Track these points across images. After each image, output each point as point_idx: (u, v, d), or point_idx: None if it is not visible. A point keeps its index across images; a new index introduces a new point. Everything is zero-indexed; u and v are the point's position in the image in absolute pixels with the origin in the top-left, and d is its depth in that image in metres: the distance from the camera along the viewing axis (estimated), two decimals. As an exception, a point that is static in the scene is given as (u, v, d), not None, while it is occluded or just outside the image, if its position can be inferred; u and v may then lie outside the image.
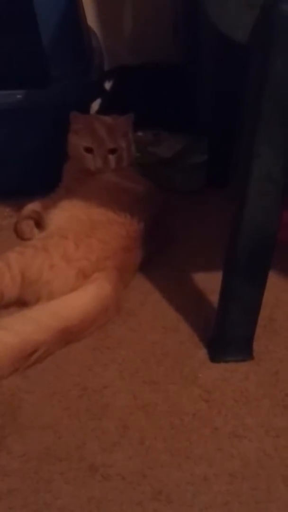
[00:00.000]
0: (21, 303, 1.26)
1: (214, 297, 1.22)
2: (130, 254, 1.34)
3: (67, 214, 1.40)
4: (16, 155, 1.60)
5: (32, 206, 1.55)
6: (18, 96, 1.51)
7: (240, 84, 1.56)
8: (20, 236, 1.51)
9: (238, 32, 0.96)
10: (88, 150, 1.50)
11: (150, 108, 1.78)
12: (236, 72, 1.56)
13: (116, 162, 1.51)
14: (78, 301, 1.21)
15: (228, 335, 1.16)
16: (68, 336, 1.17)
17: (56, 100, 1.56)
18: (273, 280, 1.16)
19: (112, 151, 1.50)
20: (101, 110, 1.89)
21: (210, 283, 1.32)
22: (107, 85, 1.95)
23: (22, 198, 1.58)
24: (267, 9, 0.91)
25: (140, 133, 1.76)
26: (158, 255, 1.42)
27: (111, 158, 1.50)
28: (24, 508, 0.90)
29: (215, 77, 1.69)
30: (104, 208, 1.39)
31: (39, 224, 1.51)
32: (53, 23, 1.49)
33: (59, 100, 1.56)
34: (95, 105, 1.91)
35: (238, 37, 0.96)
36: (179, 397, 1.09)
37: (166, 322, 1.25)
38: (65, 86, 1.55)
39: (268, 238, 1.07)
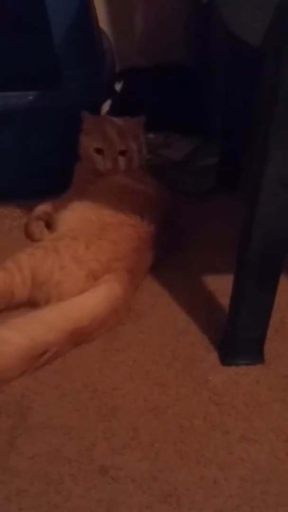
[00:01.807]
0: (31, 304, 1.26)
1: (224, 300, 1.22)
2: (141, 256, 1.34)
3: (78, 216, 1.40)
4: (27, 156, 1.60)
5: (43, 207, 1.55)
6: (30, 98, 1.51)
7: (251, 86, 1.57)
8: (30, 237, 1.51)
9: (251, 34, 0.95)
10: (98, 151, 1.50)
11: (160, 110, 1.78)
12: (248, 74, 1.56)
13: (126, 164, 1.51)
14: (88, 303, 1.21)
15: (238, 338, 1.15)
16: (78, 337, 1.17)
17: (67, 101, 1.56)
18: (285, 283, 1.16)
19: (122, 152, 1.50)
20: (112, 112, 1.90)
21: (220, 285, 1.32)
22: (118, 86, 1.95)
23: (33, 199, 1.58)
24: (282, 8, 0.90)
25: (151, 135, 1.76)
26: (169, 257, 1.42)
27: (121, 159, 1.50)
28: (34, 509, 0.90)
29: (227, 79, 1.69)
30: (114, 209, 1.39)
31: (50, 225, 1.51)
32: (65, 25, 1.49)
33: (70, 101, 1.55)
34: (106, 106, 1.91)
35: (251, 40, 0.95)
36: (189, 400, 1.08)
37: (176, 324, 1.25)
38: (76, 88, 1.55)
39: (279, 241, 1.06)
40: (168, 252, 1.42)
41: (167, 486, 0.94)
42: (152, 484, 0.94)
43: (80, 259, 1.27)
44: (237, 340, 1.16)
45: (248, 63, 1.53)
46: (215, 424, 1.04)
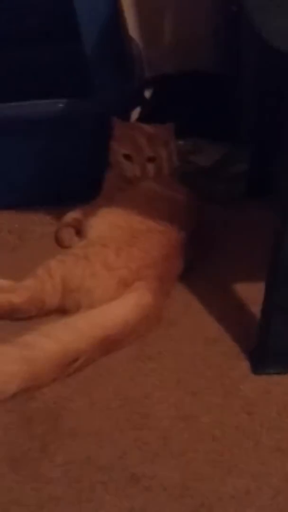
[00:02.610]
0: (61, 311, 1.27)
1: (256, 308, 1.21)
2: (171, 263, 1.33)
3: (108, 222, 1.40)
4: (57, 163, 1.62)
5: (73, 214, 1.56)
6: (60, 105, 1.52)
7: (283, 92, 1.56)
8: (60, 244, 1.52)
9: (282, 40, 0.95)
10: (127, 157, 1.50)
11: (189, 117, 1.78)
12: (279, 80, 1.55)
13: (155, 171, 1.51)
14: (119, 310, 1.21)
15: (270, 347, 1.14)
16: (108, 345, 1.17)
17: (97, 108, 1.57)
18: None
19: (151, 159, 1.50)
20: (141, 119, 1.90)
21: (251, 293, 1.31)
22: (147, 93, 1.95)
23: (63, 206, 1.59)
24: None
25: (180, 142, 1.75)
26: (199, 265, 1.41)
27: (150, 166, 1.50)
28: (66, 517, 0.90)
29: (257, 85, 1.68)
30: (144, 216, 1.39)
31: (79, 232, 1.51)
32: (95, 32, 1.50)
33: (100, 109, 1.56)
34: (135, 113, 1.92)
35: (282, 46, 0.95)
36: (220, 409, 1.07)
37: (207, 332, 1.24)
38: (106, 95, 1.56)
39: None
40: (199, 260, 1.42)
41: (199, 496, 0.93)
42: (184, 493, 0.93)
43: (111, 267, 1.27)
44: (269, 349, 1.15)
45: (279, 70, 1.53)
46: (247, 434, 1.03)
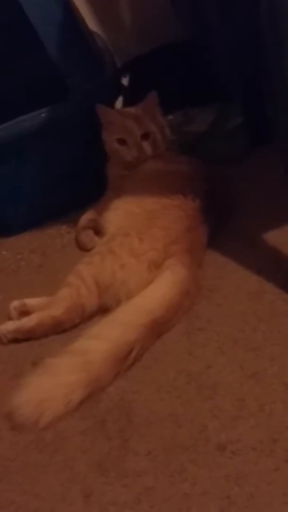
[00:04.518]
0: (103, 310, 1.26)
1: (290, 250, 1.20)
2: (195, 233, 1.32)
3: (122, 212, 1.40)
4: (56, 172, 1.61)
5: (87, 216, 1.55)
6: (43, 115, 1.51)
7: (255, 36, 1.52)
8: (83, 248, 1.51)
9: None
10: (121, 142, 1.49)
11: (171, 91, 1.76)
12: (247, 24, 1.52)
13: (152, 147, 1.50)
14: (158, 292, 1.20)
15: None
16: (158, 328, 1.16)
17: (79, 108, 1.55)
18: None
19: (145, 137, 1.48)
20: (125, 106, 1.88)
21: (281, 238, 1.30)
22: (125, 81, 1.94)
23: (74, 212, 1.59)
24: None
25: (170, 117, 1.73)
26: (224, 226, 1.39)
27: (146, 144, 1.49)
28: (165, 502, 0.89)
29: (226, 38, 1.65)
30: (155, 196, 1.38)
31: (98, 231, 1.50)
32: (55, 35, 1.49)
33: (82, 107, 1.55)
34: (118, 104, 1.90)
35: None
36: (284, 356, 1.06)
37: (249, 288, 1.22)
38: (84, 92, 1.54)
39: None
40: (223, 222, 1.40)
41: (289, 445, 0.92)
42: (273, 447, 0.92)
43: (137, 253, 1.26)
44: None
45: (243, 14, 1.50)
46: None
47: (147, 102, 1.52)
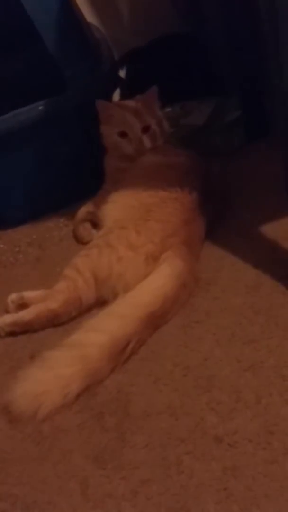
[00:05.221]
0: (100, 303, 1.26)
1: (287, 243, 1.19)
2: (192, 226, 1.32)
3: (120, 205, 1.39)
4: (55, 164, 1.61)
5: (85, 209, 1.55)
6: (40, 107, 1.51)
7: (254, 29, 1.52)
8: (81, 241, 1.51)
9: None
10: (122, 135, 1.48)
11: (169, 83, 1.75)
12: (245, 17, 1.52)
13: (151, 140, 1.49)
14: (155, 285, 1.20)
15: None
16: (154, 321, 1.16)
17: (77, 100, 1.55)
18: None
19: (145, 130, 1.48)
20: (123, 99, 1.88)
21: (280, 231, 1.30)
22: (122, 73, 1.93)
23: (72, 204, 1.59)
24: None
25: (168, 109, 1.73)
26: (221, 220, 1.39)
27: (145, 137, 1.48)
28: (162, 495, 0.90)
29: (225, 30, 1.64)
30: (152, 189, 1.37)
31: (96, 224, 1.50)
32: (52, 28, 1.48)
33: (79, 100, 1.55)
34: (116, 96, 1.90)
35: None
36: (281, 348, 1.06)
37: (246, 281, 1.22)
38: (82, 85, 1.54)
39: None
40: (221, 215, 1.40)
41: (286, 437, 0.92)
42: (270, 439, 0.92)
43: (134, 246, 1.26)
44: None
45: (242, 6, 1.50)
46: (316, 365, 1.01)
47: (148, 96, 1.52)
